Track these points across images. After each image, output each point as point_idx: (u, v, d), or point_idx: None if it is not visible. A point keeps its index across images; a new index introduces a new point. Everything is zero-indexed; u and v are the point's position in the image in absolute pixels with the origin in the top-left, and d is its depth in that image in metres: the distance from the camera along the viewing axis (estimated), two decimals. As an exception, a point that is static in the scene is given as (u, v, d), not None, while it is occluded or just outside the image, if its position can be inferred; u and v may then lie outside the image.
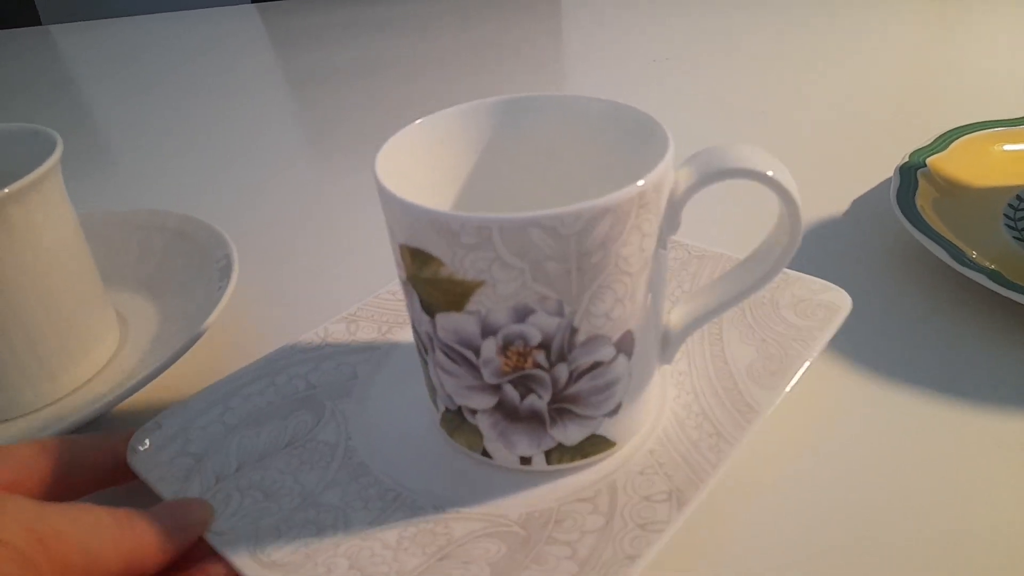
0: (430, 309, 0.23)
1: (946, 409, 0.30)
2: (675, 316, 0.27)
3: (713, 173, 0.23)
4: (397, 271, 0.25)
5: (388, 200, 0.22)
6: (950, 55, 0.67)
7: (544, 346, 0.23)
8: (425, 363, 0.26)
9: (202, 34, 0.95)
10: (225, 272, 0.36)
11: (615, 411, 0.25)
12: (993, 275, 0.33)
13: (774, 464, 0.28)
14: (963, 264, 0.34)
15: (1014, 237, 0.37)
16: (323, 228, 0.48)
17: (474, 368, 0.24)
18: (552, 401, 0.24)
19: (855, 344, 0.33)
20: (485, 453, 0.26)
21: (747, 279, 0.26)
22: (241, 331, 0.38)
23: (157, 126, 0.68)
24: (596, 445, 0.26)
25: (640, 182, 0.21)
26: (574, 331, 0.23)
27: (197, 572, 0.23)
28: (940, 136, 0.44)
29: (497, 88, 0.67)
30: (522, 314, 0.22)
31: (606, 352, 0.24)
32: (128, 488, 0.27)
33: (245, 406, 0.29)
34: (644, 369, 0.26)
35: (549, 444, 0.25)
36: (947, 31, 0.73)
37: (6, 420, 0.32)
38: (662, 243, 0.24)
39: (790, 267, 0.33)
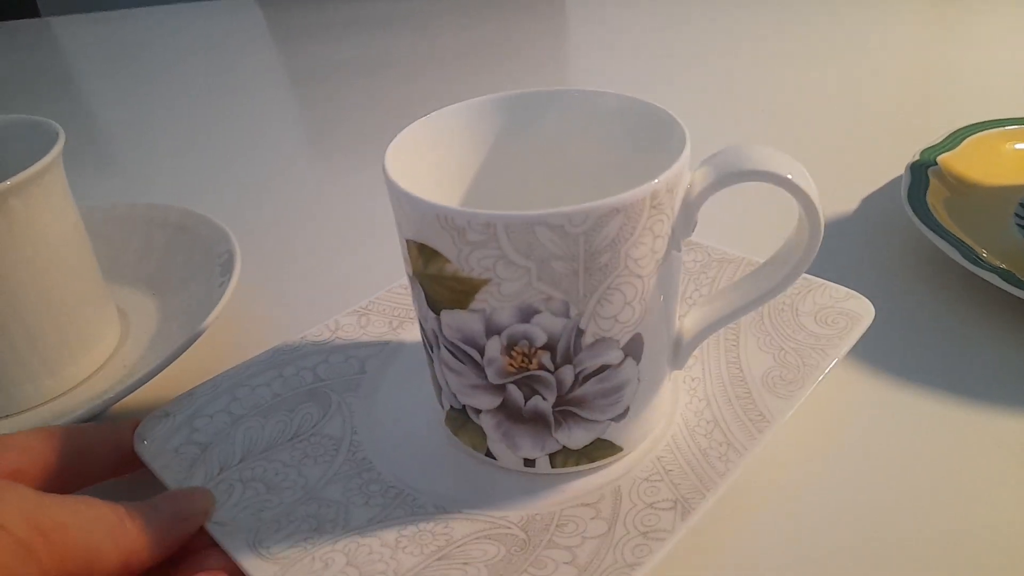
0: (435, 306, 0.23)
1: (955, 409, 0.30)
2: (689, 320, 0.26)
3: (731, 175, 0.23)
4: (404, 266, 0.24)
5: (395, 194, 0.22)
6: (961, 52, 0.65)
7: (549, 347, 0.22)
8: (431, 360, 0.26)
9: (203, 28, 0.95)
10: (227, 268, 0.36)
11: (622, 416, 0.25)
12: (1004, 274, 0.32)
13: (784, 469, 0.27)
14: (974, 263, 0.33)
15: (1025, 236, 0.37)
16: (324, 225, 0.48)
17: (478, 367, 0.23)
18: (557, 403, 0.24)
19: (864, 342, 0.32)
20: (489, 454, 0.26)
21: (764, 285, 0.25)
22: (242, 328, 0.38)
23: (157, 121, 0.68)
24: (602, 450, 0.25)
25: (653, 182, 0.21)
26: (580, 333, 0.22)
27: (196, 572, 0.23)
28: (951, 134, 0.44)
29: (501, 86, 0.66)
30: (527, 314, 0.22)
31: (614, 355, 0.23)
32: (131, 478, 0.27)
33: (252, 397, 0.29)
34: (654, 374, 0.25)
35: (553, 447, 0.25)
36: (958, 28, 0.72)
37: (6, 416, 0.32)
38: (675, 245, 0.23)
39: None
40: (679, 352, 0.26)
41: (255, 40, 0.90)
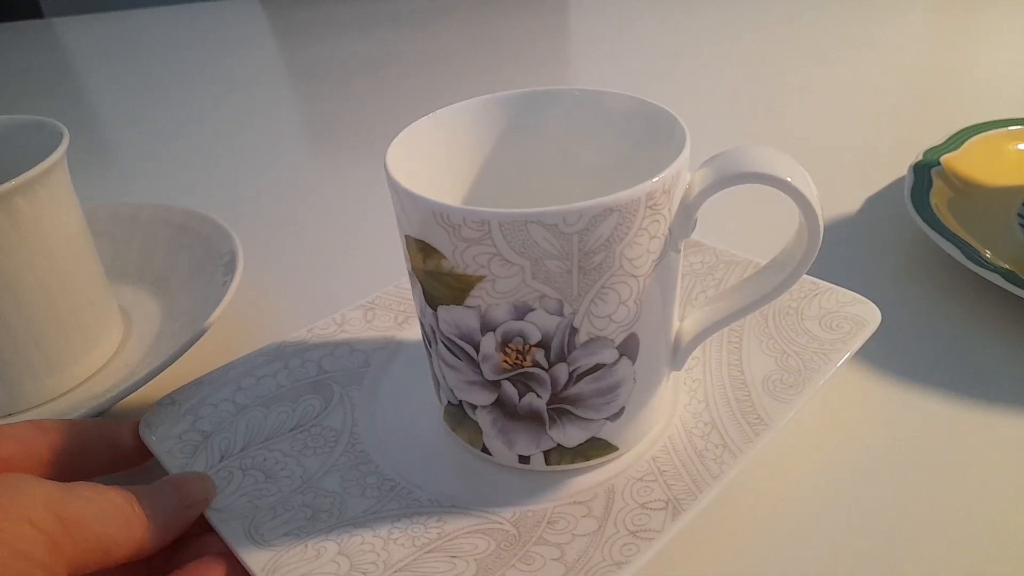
0: (433, 302, 0.23)
1: (959, 409, 0.29)
2: (688, 322, 0.26)
3: (730, 176, 0.23)
4: (404, 262, 0.25)
5: (395, 191, 0.22)
6: (965, 52, 0.65)
7: (543, 345, 0.22)
8: (429, 355, 0.26)
9: (205, 28, 0.96)
10: (229, 267, 0.36)
11: (618, 415, 0.25)
12: (1008, 275, 0.32)
13: (786, 472, 0.27)
14: (977, 264, 0.33)
15: (1029, 237, 0.37)
16: (327, 224, 0.48)
17: (474, 363, 0.24)
18: (551, 401, 0.24)
19: (866, 343, 0.32)
20: (485, 450, 0.26)
21: (763, 287, 0.25)
22: (245, 327, 0.38)
23: (160, 120, 0.68)
24: (597, 448, 0.25)
25: (649, 182, 0.21)
26: (574, 331, 0.22)
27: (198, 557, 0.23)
28: (954, 134, 0.44)
29: (503, 85, 0.66)
30: (521, 311, 0.22)
31: (608, 354, 0.23)
32: (127, 471, 0.27)
33: (257, 388, 0.30)
34: (650, 374, 0.25)
35: (548, 444, 0.25)
36: (961, 28, 0.71)
37: (9, 415, 0.32)
38: (673, 246, 0.23)
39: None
40: (678, 353, 0.26)
41: (257, 39, 0.90)
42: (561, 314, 0.22)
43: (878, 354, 0.32)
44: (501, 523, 0.24)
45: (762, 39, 0.72)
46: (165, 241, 0.41)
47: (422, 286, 0.23)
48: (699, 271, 0.35)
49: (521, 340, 0.22)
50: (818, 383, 0.27)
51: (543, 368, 0.23)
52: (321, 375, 0.30)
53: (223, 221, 0.40)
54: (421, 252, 0.22)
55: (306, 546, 0.23)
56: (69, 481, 0.22)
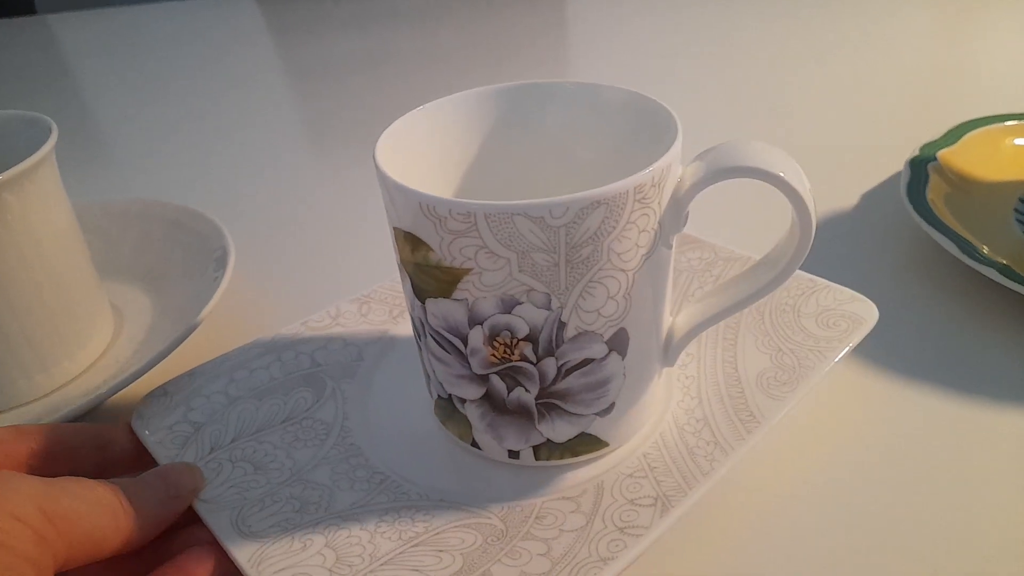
0: (421, 294, 0.23)
1: (956, 405, 0.29)
2: (681, 317, 0.26)
3: (722, 170, 0.22)
4: (394, 255, 0.25)
5: (383, 182, 0.22)
6: (961, 47, 0.64)
7: (531, 339, 0.22)
8: (420, 349, 0.26)
9: (199, 24, 0.95)
10: (221, 263, 0.36)
11: (608, 411, 0.25)
12: (1004, 270, 0.32)
13: (781, 469, 0.27)
14: (974, 259, 0.33)
15: (1026, 232, 0.37)
16: (321, 220, 0.48)
17: (462, 357, 0.23)
18: (540, 396, 0.24)
19: (863, 339, 0.32)
20: (475, 444, 0.26)
21: (755, 283, 0.25)
22: (237, 324, 0.38)
23: (153, 116, 0.68)
24: (587, 444, 0.25)
25: (637, 175, 0.21)
26: (563, 325, 0.22)
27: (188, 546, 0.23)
28: (951, 130, 0.44)
29: (501, 81, 0.66)
30: (509, 304, 0.22)
31: (597, 349, 0.23)
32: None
33: (249, 380, 0.30)
34: (641, 370, 0.25)
35: (537, 439, 0.25)
36: (958, 23, 0.71)
37: None
38: (663, 240, 0.23)
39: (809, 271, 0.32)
40: (670, 349, 0.26)
41: (252, 35, 0.90)
42: (549, 308, 0.22)
43: (875, 350, 0.32)
44: (489, 518, 0.24)
45: (759, 36, 0.72)
46: (157, 237, 0.41)
47: (411, 279, 0.23)
48: (697, 267, 0.35)
49: (509, 334, 0.22)
50: (812, 381, 0.27)
51: (531, 362, 0.23)
52: (314, 368, 0.30)
53: (216, 217, 0.40)
54: (409, 244, 0.22)
55: (293, 538, 0.23)
56: None
